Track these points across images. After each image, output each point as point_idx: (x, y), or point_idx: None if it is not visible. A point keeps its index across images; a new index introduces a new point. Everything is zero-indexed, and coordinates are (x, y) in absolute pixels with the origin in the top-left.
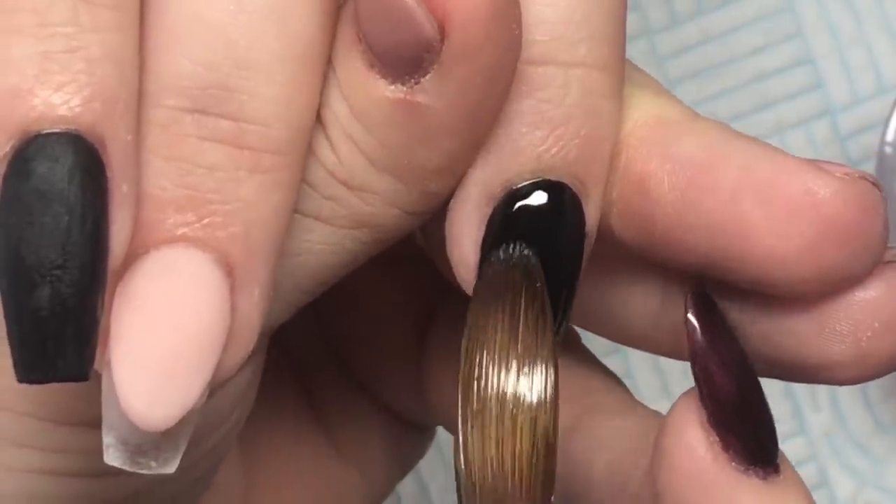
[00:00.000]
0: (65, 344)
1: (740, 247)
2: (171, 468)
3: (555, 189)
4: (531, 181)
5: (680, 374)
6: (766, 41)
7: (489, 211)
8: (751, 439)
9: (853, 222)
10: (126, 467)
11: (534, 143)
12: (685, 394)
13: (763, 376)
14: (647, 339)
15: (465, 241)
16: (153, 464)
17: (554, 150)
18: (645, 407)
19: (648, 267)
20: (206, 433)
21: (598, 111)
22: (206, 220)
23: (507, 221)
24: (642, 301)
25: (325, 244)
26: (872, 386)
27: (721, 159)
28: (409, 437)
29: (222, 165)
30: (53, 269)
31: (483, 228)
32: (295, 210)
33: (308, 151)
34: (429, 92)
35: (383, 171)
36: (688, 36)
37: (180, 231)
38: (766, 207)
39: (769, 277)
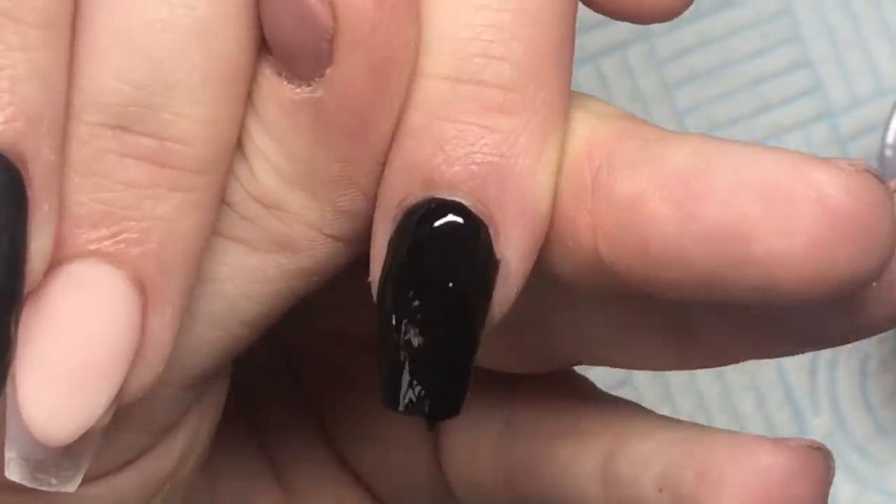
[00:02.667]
0: None
1: (742, 251)
2: (71, 487)
3: (447, 210)
4: (423, 199)
5: (682, 383)
6: (764, 44)
7: (391, 232)
8: None
9: (861, 217)
10: (26, 483)
11: (421, 158)
12: None
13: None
14: (651, 361)
15: (375, 263)
16: (53, 481)
17: (443, 167)
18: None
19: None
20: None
21: (494, 128)
22: (120, 237)
23: (403, 245)
24: (648, 336)
25: (244, 269)
26: (873, 389)
27: (713, 163)
28: None
29: (141, 182)
30: None
31: (385, 249)
32: (216, 232)
33: (228, 172)
34: (325, 86)
35: (294, 187)
36: (686, 39)
37: (94, 246)
38: (767, 205)
39: (774, 282)
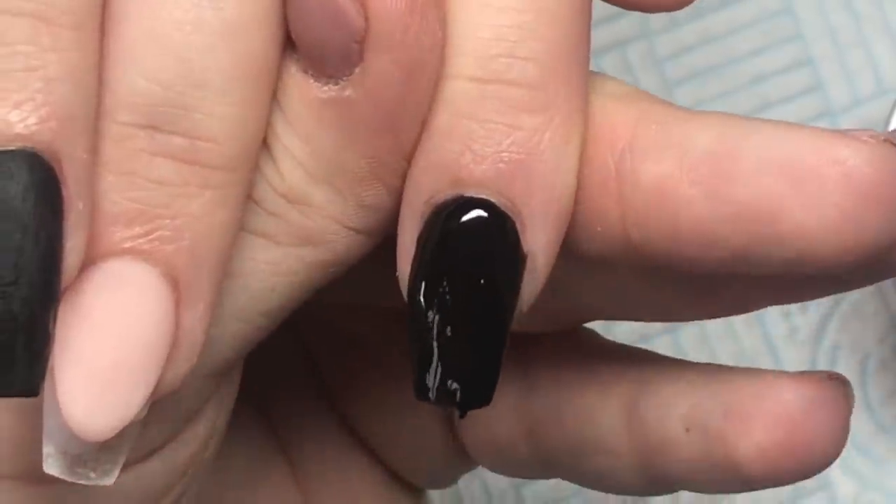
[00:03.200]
0: (15, 360)
1: (773, 228)
2: (110, 480)
3: (474, 206)
4: (451, 197)
5: None
6: (765, 43)
7: (419, 228)
8: None
9: (886, 187)
10: (65, 477)
11: (449, 158)
12: None
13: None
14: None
15: (403, 259)
16: (92, 475)
17: (472, 166)
18: (689, 361)
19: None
20: (170, 483)
21: (520, 125)
22: (154, 234)
23: (432, 240)
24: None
25: (268, 263)
26: (873, 388)
27: (738, 143)
28: (403, 498)
29: (172, 181)
30: (5, 285)
31: (413, 246)
32: (241, 227)
33: (255, 168)
34: (354, 85)
35: (320, 182)
36: (687, 38)
37: (128, 244)
38: (794, 183)
39: (804, 256)
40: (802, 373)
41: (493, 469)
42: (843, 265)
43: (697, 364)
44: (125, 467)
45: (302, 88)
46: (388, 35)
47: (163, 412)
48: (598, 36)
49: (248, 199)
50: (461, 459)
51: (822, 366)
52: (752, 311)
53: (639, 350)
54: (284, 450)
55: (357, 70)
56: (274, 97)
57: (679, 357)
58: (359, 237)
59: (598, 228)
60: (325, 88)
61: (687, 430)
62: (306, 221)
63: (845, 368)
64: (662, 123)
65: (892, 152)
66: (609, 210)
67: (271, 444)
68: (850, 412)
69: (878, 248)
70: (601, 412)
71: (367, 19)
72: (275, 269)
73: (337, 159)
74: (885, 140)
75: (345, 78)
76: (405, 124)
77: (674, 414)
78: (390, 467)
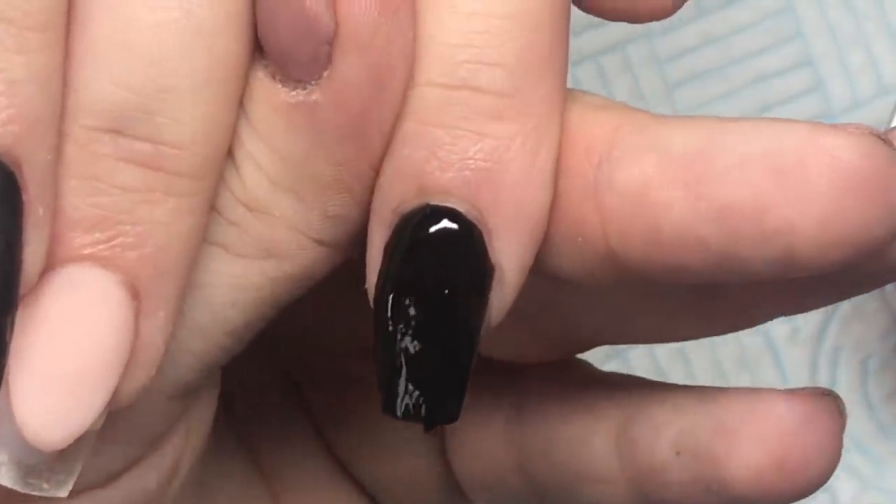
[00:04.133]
0: None
1: (758, 226)
2: (63, 492)
3: (441, 215)
4: (418, 206)
5: (680, 375)
6: (765, 43)
7: (386, 238)
8: None
9: (874, 178)
10: (18, 488)
11: (415, 165)
12: None
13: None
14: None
15: (371, 270)
16: (45, 486)
17: (437, 174)
18: (679, 385)
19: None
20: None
21: (487, 134)
22: (115, 241)
23: (399, 250)
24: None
25: (228, 276)
26: (874, 388)
27: (718, 141)
28: None
29: (136, 187)
30: None
31: (381, 255)
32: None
33: (220, 177)
34: (322, 89)
35: (284, 190)
36: (687, 38)
37: (88, 250)
38: (779, 176)
39: (792, 253)
40: (793, 390)
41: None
42: (831, 262)
43: (687, 387)
44: (81, 492)
45: (269, 93)
46: (358, 37)
47: (119, 433)
48: (598, 36)
49: (211, 209)
50: (455, 496)
51: (824, 366)
52: (757, 323)
53: (628, 377)
54: (270, 486)
55: (325, 73)
56: (241, 105)
57: (681, 360)
58: (324, 250)
59: (579, 239)
60: (293, 93)
61: (677, 453)
62: (268, 232)
63: (846, 368)
64: (640, 129)
65: (878, 143)
66: (589, 220)
67: (256, 479)
68: (843, 429)
69: (866, 242)
70: (591, 441)
71: (336, 21)
72: (236, 282)
73: (303, 166)
74: (870, 133)
75: (313, 82)
76: (373, 130)
77: (664, 438)
78: (370, 492)
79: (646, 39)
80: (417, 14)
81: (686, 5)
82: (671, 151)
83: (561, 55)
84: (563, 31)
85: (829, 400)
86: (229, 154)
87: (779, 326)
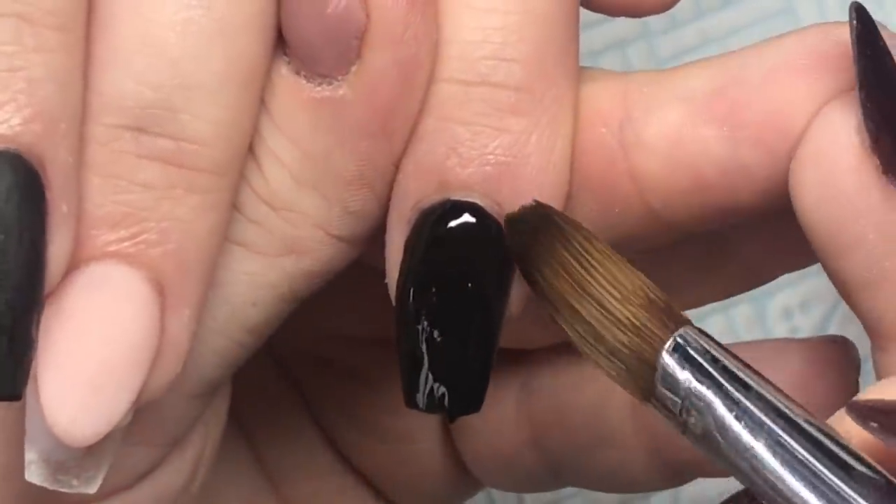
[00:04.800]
0: None
1: (798, 131)
2: (92, 487)
3: (462, 210)
4: (438, 201)
5: None
6: None
7: (406, 234)
8: None
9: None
10: (47, 485)
11: (435, 161)
12: (838, 98)
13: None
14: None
15: (391, 265)
16: (75, 482)
17: (458, 169)
18: None
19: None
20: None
21: (506, 128)
22: (139, 238)
23: (419, 246)
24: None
25: (248, 274)
26: None
27: (736, 71)
28: None
29: (159, 184)
30: None
31: (402, 251)
32: None
33: (241, 173)
34: (350, 83)
35: (306, 187)
36: (687, 38)
37: (113, 247)
38: (807, 74)
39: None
40: (806, 339)
41: (499, 486)
42: None
43: None
44: (111, 494)
45: (293, 89)
46: (389, 32)
47: (146, 434)
48: (598, 36)
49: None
50: (464, 483)
51: None
52: (764, 282)
53: None
54: (277, 486)
55: (353, 69)
56: (264, 101)
57: None
58: (342, 245)
59: (616, 210)
60: (318, 88)
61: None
62: (289, 229)
63: None
64: (651, 85)
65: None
66: (622, 187)
67: (259, 476)
68: (857, 375)
69: None
70: (605, 407)
71: (368, 15)
72: (256, 280)
73: (326, 162)
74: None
75: (340, 77)
76: (398, 126)
77: None
78: (391, 499)
79: (646, 39)
80: (440, 10)
81: (686, 5)
82: (692, 94)
83: (573, 49)
84: (575, 27)
85: (841, 347)
86: (251, 151)
87: (779, 326)
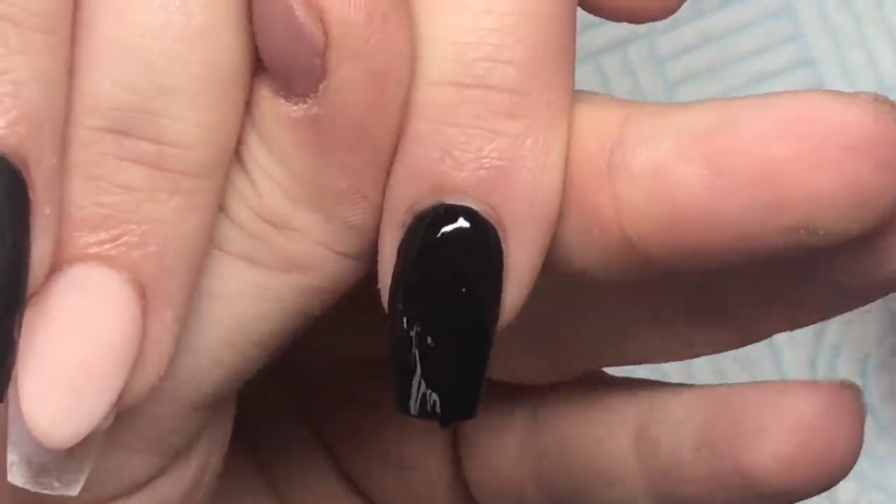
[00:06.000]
0: None
1: (776, 194)
2: (74, 490)
3: (456, 214)
4: (432, 205)
5: (680, 376)
6: (765, 43)
7: (400, 238)
8: None
9: (887, 140)
10: (28, 487)
11: (429, 165)
12: None
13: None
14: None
15: (384, 270)
16: (56, 484)
17: (452, 172)
18: (696, 385)
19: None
20: None
21: (501, 131)
22: (120, 240)
23: (412, 250)
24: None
25: (253, 287)
26: (873, 388)
27: (735, 116)
28: None
29: (141, 186)
30: None
31: (394, 255)
32: (224, 249)
33: (226, 176)
34: (321, 101)
35: (300, 204)
36: (687, 37)
37: (94, 250)
38: (796, 143)
39: (809, 220)
40: (814, 381)
41: None
42: (849, 227)
43: (706, 385)
44: (109, 501)
45: (274, 109)
46: (347, 47)
47: (147, 442)
48: (599, 36)
49: (232, 222)
50: None
51: (823, 366)
52: (764, 337)
53: (643, 380)
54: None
55: (321, 86)
56: (251, 118)
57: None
58: (348, 262)
59: (594, 231)
60: (295, 108)
61: (697, 449)
62: (291, 246)
63: (846, 368)
64: (650, 116)
65: (888, 108)
66: (603, 209)
67: (272, 500)
68: (863, 419)
69: (885, 205)
70: (609, 443)
71: (325, 32)
72: (262, 293)
73: (315, 179)
74: (879, 98)
75: (312, 95)
76: (379, 134)
77: (683, 435)
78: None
79: (646, 39)
80: (425, 14)
81: (686, 4)
82: (686, 131)
83: (570, 52)
84: (571, 29)
85: (849, 391)
86: (245, 169)
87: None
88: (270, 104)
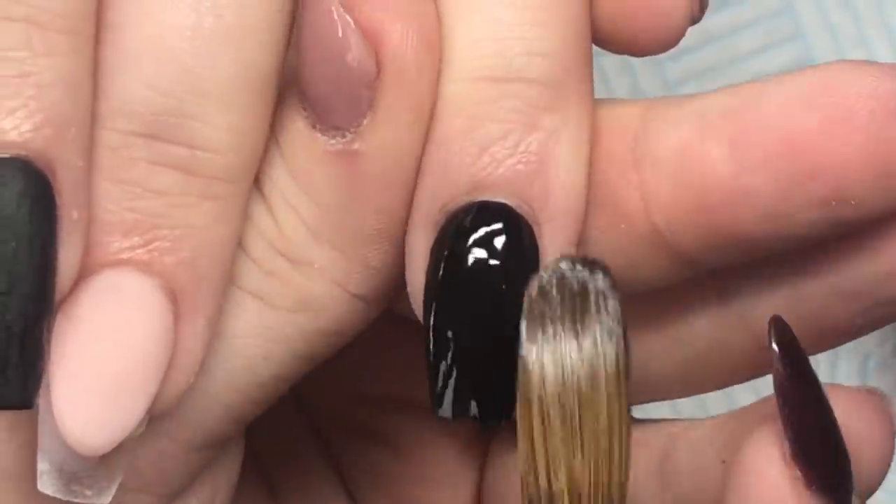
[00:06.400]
0: (9, 371)
1: (805, 165)
2: (105, 498)
3: (491, 212)
4: (468, 203)
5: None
6: (765, 43)
7: (432, 238)
8: (831, 474)
9: None
10: (60, 495)
11: (466, 162)
12: (760, 430)
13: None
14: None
15: (415, 271)
16: (88, 492)
17: (489, 169)
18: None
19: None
20: None
21: (539, 126)
22: (152, 245)
23: (447, 251)
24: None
25: (263, 327)
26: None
27: (755, 93)
28: None
29: (172, 190)
30: None
31: (427, 256)
32: (236, 285)
33: (252, 187)
34: (364, 137)
35: (323, 241)
36: (687, 37)
37: (126, 255)
38: (822, 112)
39: (840, 190)
40: (841, 386)
41: None
42: (879, 197)
43: (725, 413)
44: None
45: (308, 143)
46: (401, 80)
47: (144, 482)
48: None
49: (247, 256)
50: None
51: (823, 366)
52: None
53: (663, 418)
54: None
55: (366, 121)
56: (278, 149)
57: None
58: (359, 304)
59: (622, 226)
60: (332, 142)
61: (723, 461)
62: (306, 284)
63: (846, 368)
64: (671, 104)
65: None
66: (629, 200)
67: None
68: (893, 426)
69: None
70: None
71: (379, 63)
72: (270, 334)
73: (343, 217)
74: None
75: (353, 130)
76: (411, 175)
77: (707, 459)
78: None
79: None
80: (458, 11)
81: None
82: (711, 111)
83: (591, 47)
84: (590, 28)
85: (878, 398)
86: (269, 204)
87: None
88: (304, 136)
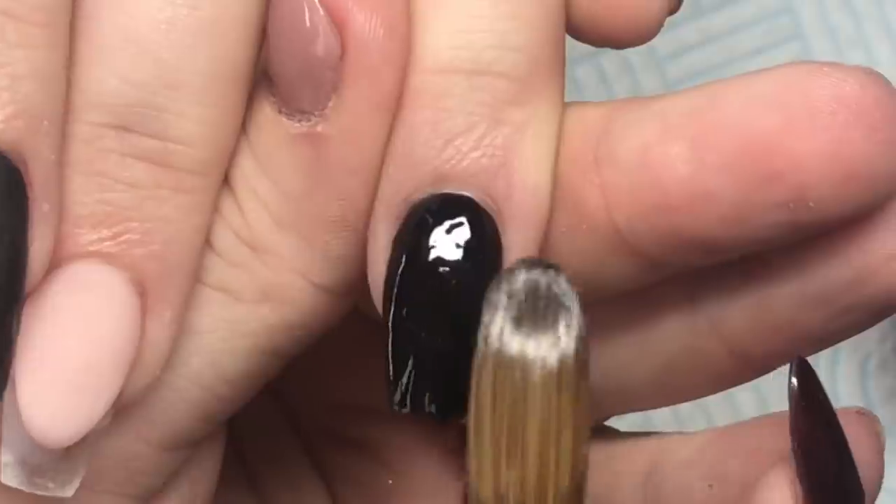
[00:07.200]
0: None
1: (767, 166)
2: (69, 491)
3: (455, 204)
4: (430, 195)
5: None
6: (765, 42)
7: (394, 230)
8: None
9: (877, 108)
10: (23, 487)
11: (430, 153)
12: (775, 471)
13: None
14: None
15: (376, 263)
16: (51, 485)
17: (454, 161)
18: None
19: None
20: None
21: (505, 120)
22: (122, 238)
23: (408, 243)
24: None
25: (227, 321)
26: (873, 388)
27: (717, 93)
28: None
29: (143, 183)
30: None
31: (389, 248)
32: (201, 279)
33: (220, 187)
34: (328, 119)
35: (285, 228)
36: (687, 37)
37: (95, 247)
38: (784, 112)
39: (803, 192)
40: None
41: None
42: (843, 201)
43: (717, 427)
44: None
45: (274, 128)
46: (366, 63)
47: (116, 483)
48: None
49: (212, 249)
50: None
51: (823, 366)
52: (759, 374)
53: (650, 432)
54: None
55: (330, 103)
56: (245, 135)
57: None
58: (323, 296)
59: (584, 226)
60: (297, 125)
61: (710, 486)
62: (270, 275)
63: (846, 368)
64: (635, 106)
65: (878, 77)
66: (590, 200)
67: None
68: (882, 446)
69: (878, 175)
70: (618, 489)
71: (343, 44)
72: (234, 328)
73: (306, 202)
74: (869, 69)
75: (317, 113)
76: (377, 160)
77: (693, 476)
78: None
79: None
80: (429, 4)
81: (686, 4)
82: (671, 112)
83: (563, 44)
84: (563, 24)
85: (866, 418)
86: (233, 192)
87: None
88: (270, 122)
